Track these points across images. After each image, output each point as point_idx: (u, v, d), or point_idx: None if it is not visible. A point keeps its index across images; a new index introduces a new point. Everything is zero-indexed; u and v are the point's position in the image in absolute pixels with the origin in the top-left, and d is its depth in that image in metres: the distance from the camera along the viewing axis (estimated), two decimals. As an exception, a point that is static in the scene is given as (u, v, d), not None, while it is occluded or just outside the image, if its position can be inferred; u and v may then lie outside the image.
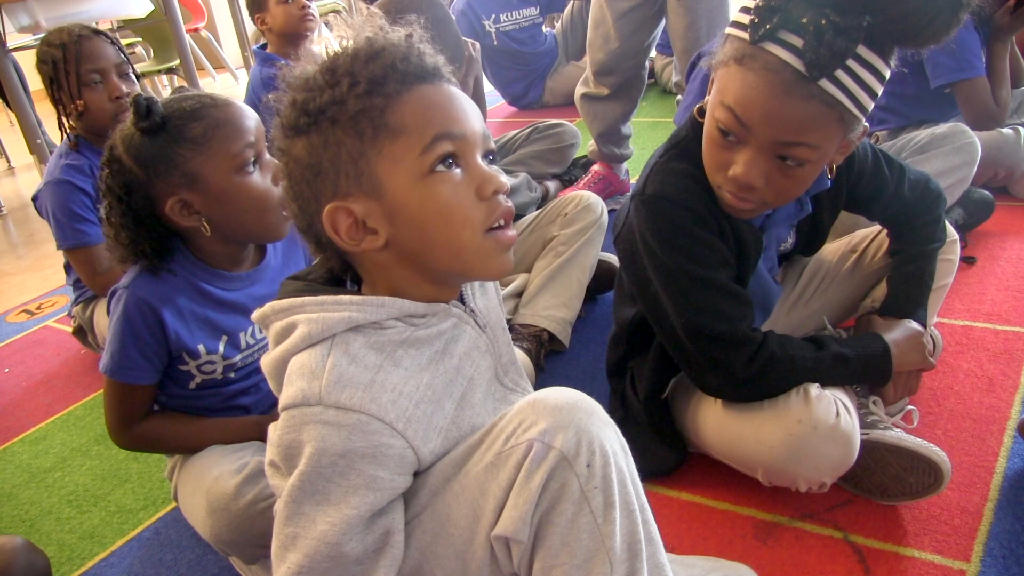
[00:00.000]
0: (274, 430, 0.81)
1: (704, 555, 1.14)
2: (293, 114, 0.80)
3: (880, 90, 1.01)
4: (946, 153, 1.81)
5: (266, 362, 0.84)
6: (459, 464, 0.80)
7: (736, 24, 1.04)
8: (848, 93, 0.98)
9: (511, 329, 1.70)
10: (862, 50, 0.97)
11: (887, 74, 1.01)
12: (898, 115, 2.16)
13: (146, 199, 1.17)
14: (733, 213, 1.16)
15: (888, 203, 1.32)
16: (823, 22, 0.95)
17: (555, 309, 1.74)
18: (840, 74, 0.97)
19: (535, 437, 0.75)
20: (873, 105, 1.02)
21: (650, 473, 1.30)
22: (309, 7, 2.43)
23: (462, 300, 0.90)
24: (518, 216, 1.90)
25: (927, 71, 2.04)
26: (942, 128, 1.84)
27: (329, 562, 0.76)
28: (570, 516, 0.75)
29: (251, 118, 1.19)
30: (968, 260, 1.83)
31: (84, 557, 1.38)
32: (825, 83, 0.97)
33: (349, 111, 0.77)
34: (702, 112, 1.15)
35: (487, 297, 0.95)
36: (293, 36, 2.44)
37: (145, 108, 1.13)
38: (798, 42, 0.96)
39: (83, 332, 2.05)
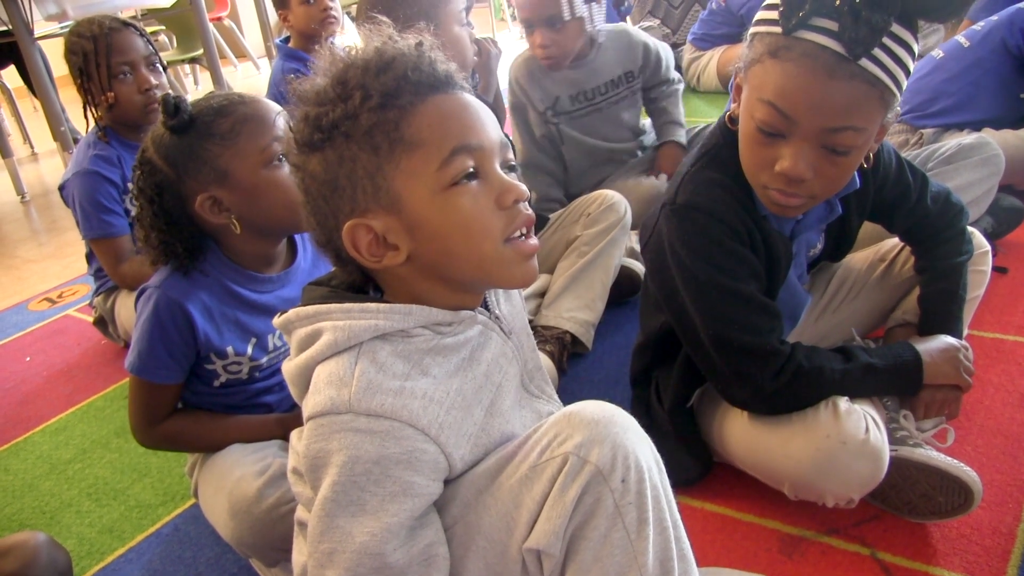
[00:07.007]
0: (298, 439, 0.80)
1: (729, 568, 1.13)
2: (306, 130, 0.78)
3: (912, 65, 1.02)
4: (974, 165, 1.79)
5: (288, 368, 0.83)
6: (492, 476, 0.79)
7: (762, 21, 1.04)
8: (887, 70, 0.99)
9: (533, 331, 1.69)
10: (894, 26, 0.98)
11: (916, 49, 1.02)
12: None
13: (177, 198, 1.17)
14: (780, 212, 1.14)
15: (911, 212, 1.30)
16: (856, 1, 0.96)
17: (578, 311, 1.72)
18: (877, 52, 0.98)
19: (571, 451, 0.74)
20: (907, 82, 1.03)
21: (674, 483, 1.28)
22: (331, 8, 2.40)
23: (486, 307, 0.89)
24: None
25: None
26: (968, 139, 1.82)
27: (374, 574, 0.74)
28: (603, 531, 0.74)
29: (279, 113, 1.19)
30: (1000, 270, 1.80)
31: (104, 552, 1.38)
32: (865, 62, 0.98)
33: (363, 126, 0.76)
34: (733, 120, 1.13)
35: (511, 303, 0.94)
36: (315, 35, 2.42)
37: (173, 106, 1.14)
38: (833, 25, 0.97)
39: (104, 322, 2.06)
